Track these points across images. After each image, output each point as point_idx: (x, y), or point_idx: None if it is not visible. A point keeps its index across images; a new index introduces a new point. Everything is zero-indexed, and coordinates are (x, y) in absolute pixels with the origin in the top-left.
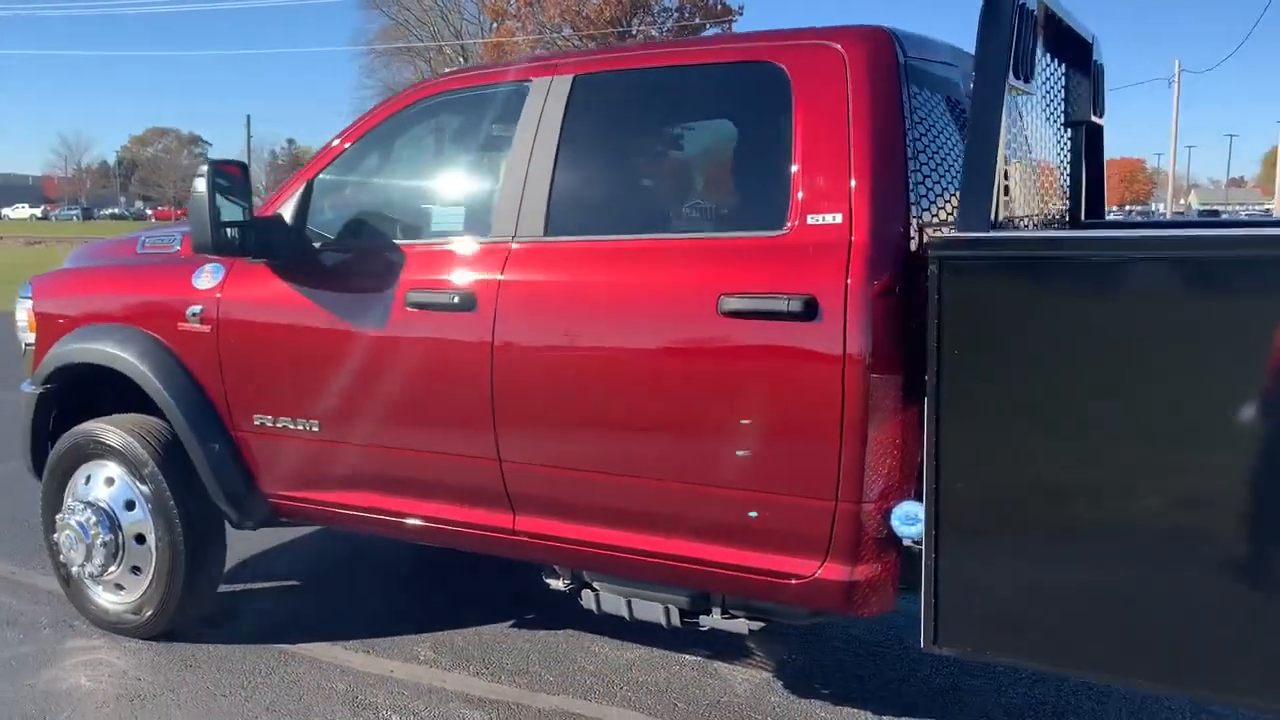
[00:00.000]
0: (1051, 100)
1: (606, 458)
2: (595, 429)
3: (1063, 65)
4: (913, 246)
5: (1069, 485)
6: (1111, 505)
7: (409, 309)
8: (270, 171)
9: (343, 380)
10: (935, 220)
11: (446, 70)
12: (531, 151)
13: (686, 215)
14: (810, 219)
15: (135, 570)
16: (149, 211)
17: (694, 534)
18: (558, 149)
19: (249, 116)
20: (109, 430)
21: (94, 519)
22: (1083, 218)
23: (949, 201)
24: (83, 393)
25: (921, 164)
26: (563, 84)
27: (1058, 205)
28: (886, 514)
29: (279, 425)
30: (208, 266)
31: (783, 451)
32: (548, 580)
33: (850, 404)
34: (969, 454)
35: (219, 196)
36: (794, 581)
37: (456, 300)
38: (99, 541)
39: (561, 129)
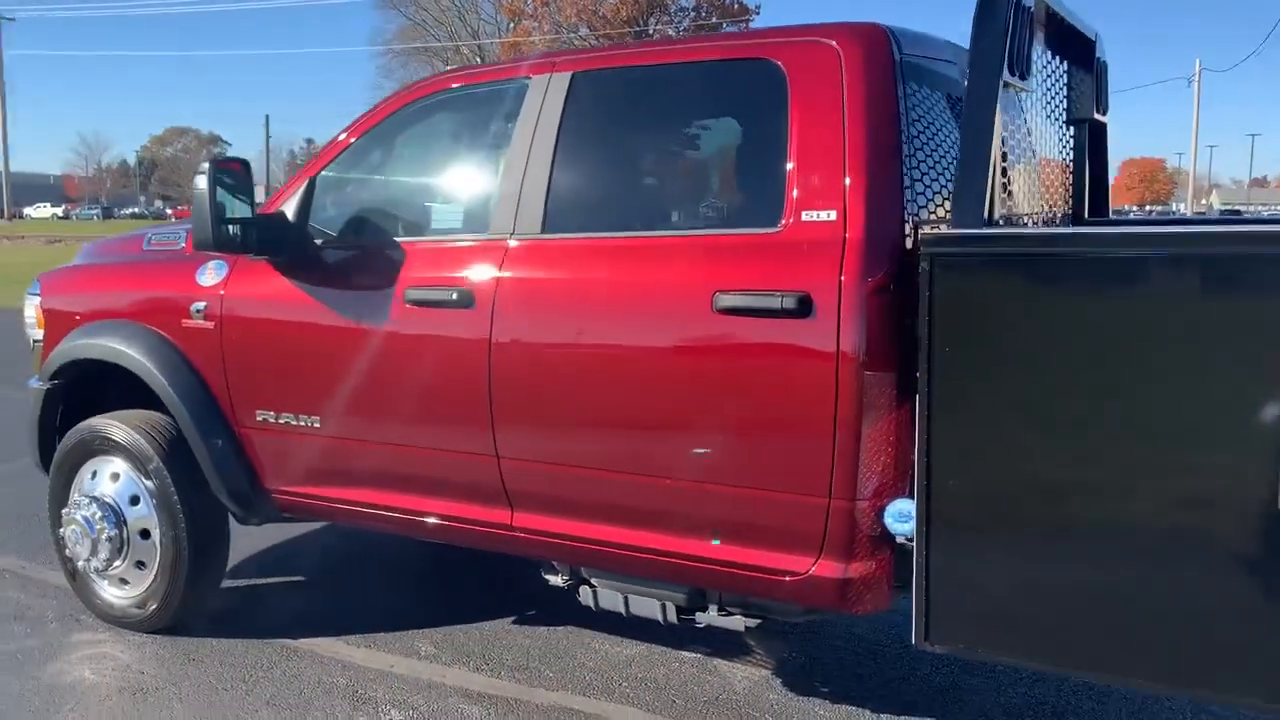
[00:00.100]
0: (1053, 98)
1: (603, 454)
2: (591, 426)
3: (1065, 63)
4: (908, 244)
5: (1060, 483)
6: (1102, 503)
7: (408, 306)
8: (289, 171)
9: (343, 377)
10: (933, 218)
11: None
12: (530, 149)
13: (683, 212)
14: (805, 216)
15: (140, 565)
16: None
17: (689, 530)
18: (556, 146)
19: (267, 116)
20: (115, 426)
21: (99, 514)
22: (1086, 215)
23: (947, 199)
24: (89, 388)
25: (918, 161)
26: (561, 81)
27: (1060, 203)
28: (880, 511)
29: (281, 421)
30: (211, 264)
31: (777, 448)
32: (546, 576)
33: (844, 401)
34: (960, 451)
35: (221, 193)
36: (788, 578)
37: (455, 297)
38: (104, 536)
39: (559, 127)
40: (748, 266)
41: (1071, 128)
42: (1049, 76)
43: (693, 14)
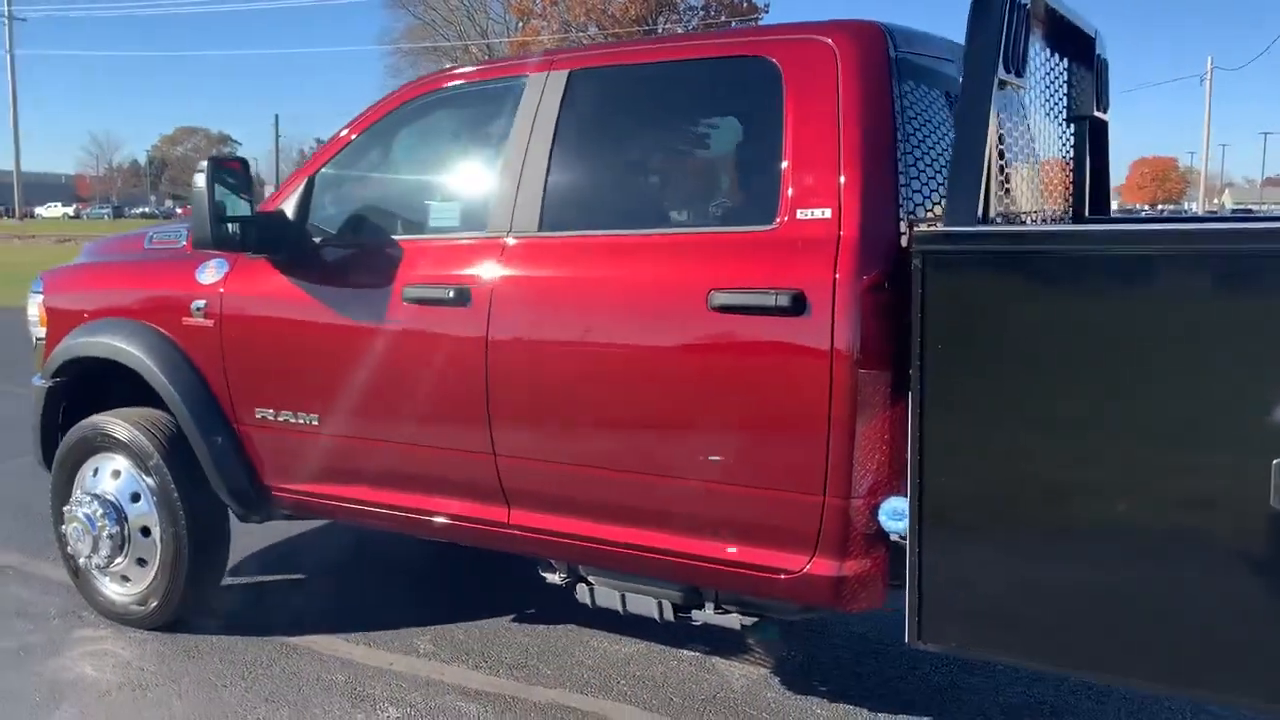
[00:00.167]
0: (1053, 95)
1: (599, 452)
2: (587, 423)
3: (1065, 60)
4: (903, 242)
5: (1052, 481)
6: (1095, 502)
7: (406, 304)
8: None
9: (341, 375)
10: (930, 216)
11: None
12: (527, 147)
13: (679, 210)
14: (800, 214)
15: (141, 562)
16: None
17: (685, 528)
18: (552, 145)
19: (277, 116)
20: (116, 424)
21: (100, 511)
22: (1087, 213)
23: (943, 197)
24: (92, 386)
25: (915, 159)
26: (558, 80)
27: (1061, 201)
28: (875, 509)
29: (280, 419)
30: (212, 262)
31: (771, 446)
32: (544, 574)
33: (838, 399)
34: (952, 449)
35: (221, 192)
36: (783, 576)
37: (452, 295)
38: (105, 533)
39: (556, 125)
40: (743, 264)
41: (1072, 125)
42: (1048, 74)
43: (701, 12)
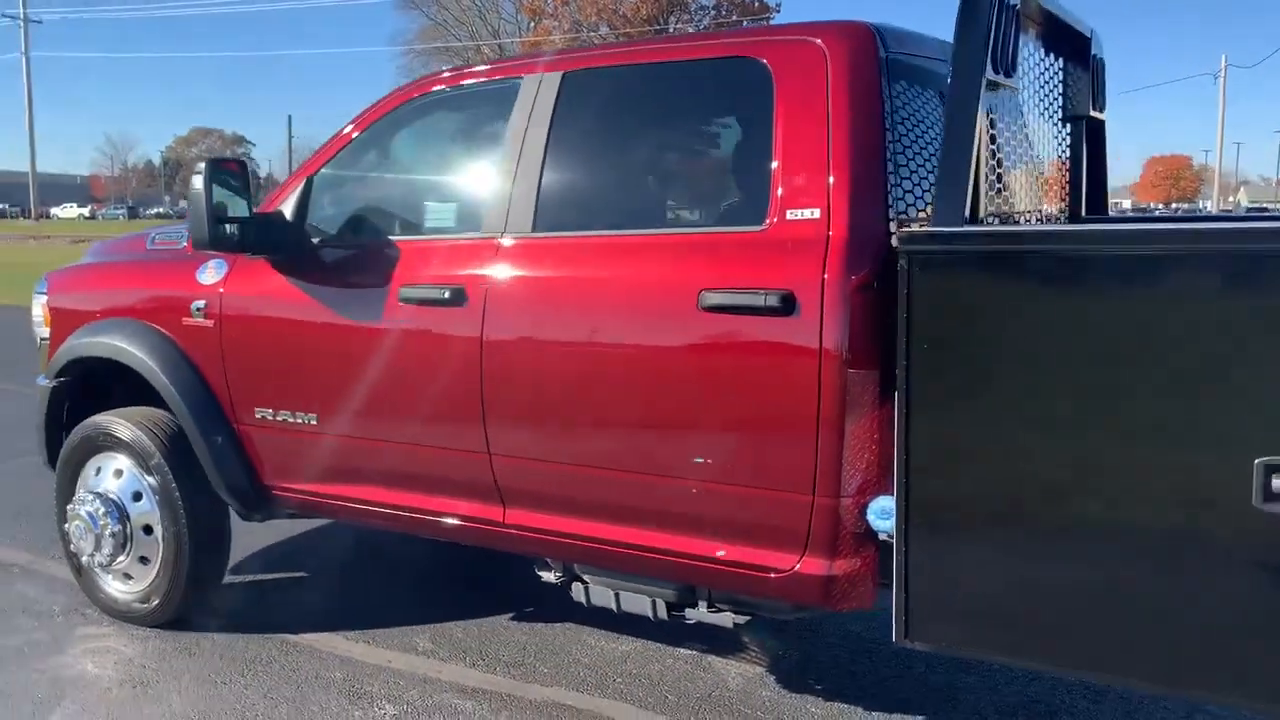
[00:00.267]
0: (1048, 95)
1: (591, 451)
2: (580, 423)
3: (1060, 60)
4: (893, 242)
5: (1036, 480)
6: (1080, 501)
7: (402, 304)
8: None
9: (338, 375)
10: (921, 216)
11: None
12: (521, 148)
13: (671, 211)
14: (789, 214)
15: (143, 560)
16: None
17: (677, 527)
18: (546, 145)
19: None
20: (118, 423)
21: (103, 510)
22: (1084, 213)
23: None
24: (95, 386)
25: (906, 160)
26: (552, 81)
27: (1058, 201)
28: (864, 508)
29: (278, 418)
30: (212, 262)
31: (761, 446)
32: (540, 573)
33: (827, 399)
34: (938, 448)
35: (219, 192)
36: (773, 575)
37: (447, 295)
38: (107, 532)
39: (550, 126)
40: (733, 264)
41: (1068, 125)
42: (1043, 74)
43: (713, 12)
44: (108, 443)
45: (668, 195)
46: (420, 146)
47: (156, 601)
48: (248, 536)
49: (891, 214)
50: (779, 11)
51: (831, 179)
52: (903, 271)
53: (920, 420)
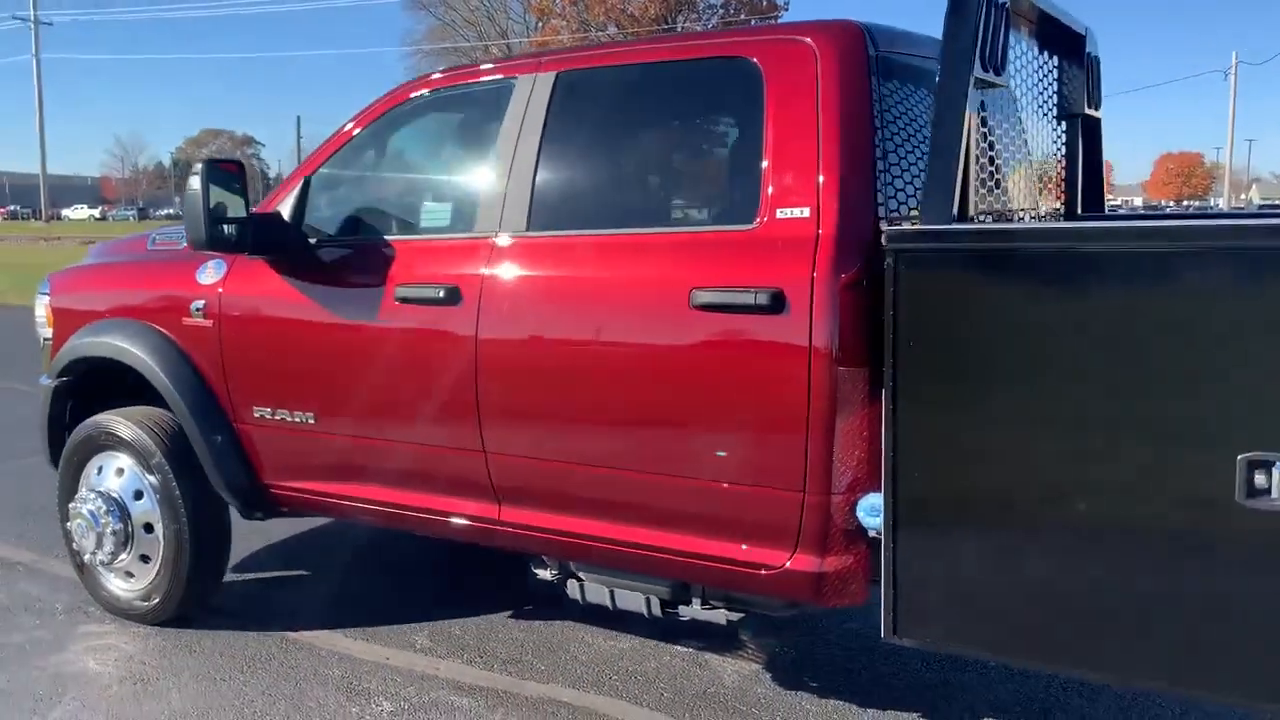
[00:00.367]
0: (1043, 93)
1: (585, 449)
2: (574, 421)
3: (1054, 58)
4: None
5: (1021, 477)
6: (1064, 497)
7: (398, 303)
8: None
9: (335, 374)
10: (911, 214)
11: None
12: (515, 148)
13: (663, 210)
14: (779, 213)
15: (144, 558)
16: None
17: (670, 524)
18: (540, 145)
19: (299, 117)
20: (119, 422)
21: (104, 508)
22: (1080, 210)
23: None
24: (97, 385)
25: (898, 159)
26: (546, 81)
27: (1053, 198)
28: (854, 505)
29: (276, 417)
30: (211, 263)
31: (752, 443)
32: (536, 571)
33: (816, 396)
34: (925, 445)
35: (216, 191)
36: (764, 572)
37: (442, 295)
38: (109, 530)
39: (544, 126)
40: (724, 263)
41: (1064, 123)
42: (1036, 72)
43: (721, 11)
44: (109, 442)
45: (660, 194)
46: (416, 146)
47: (157, 599)
48: (249, 535)
49: (882, 213)
50: (787, 9)
51: (821, 178)
52: (889, 269)
53: (907, 418)
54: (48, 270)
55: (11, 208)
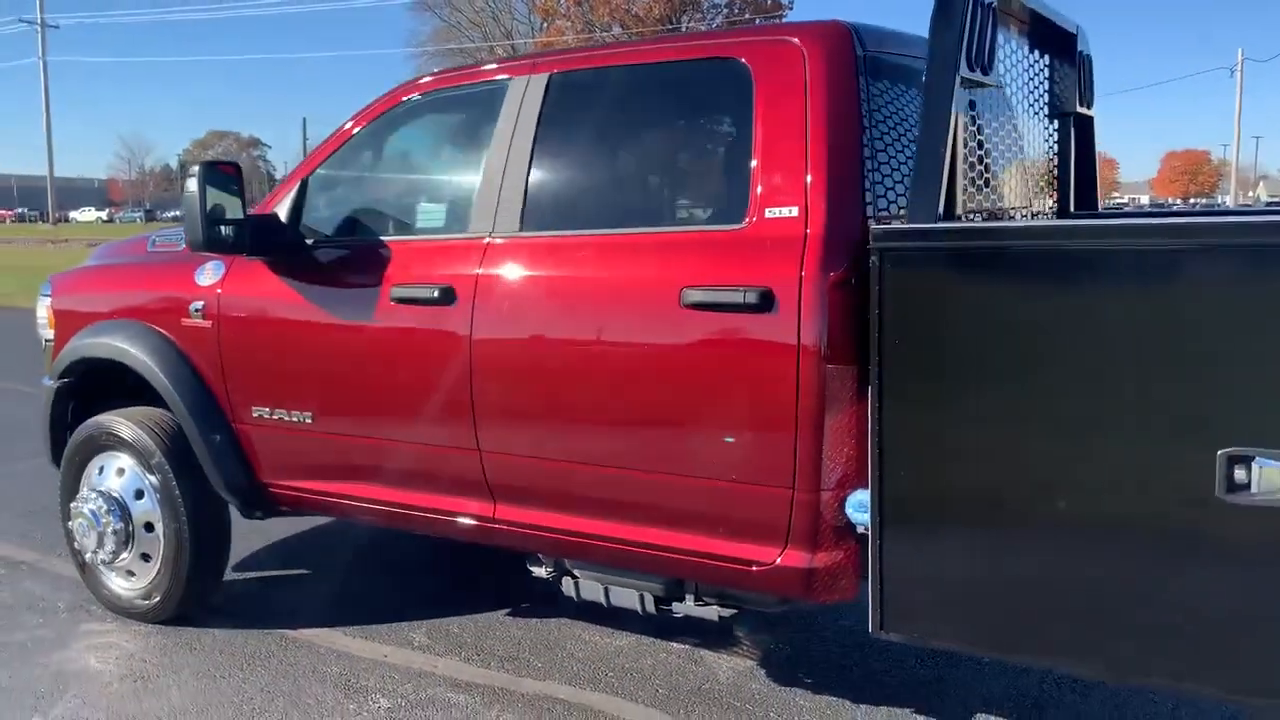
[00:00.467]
0: (1034, 92)
1: (581, 448)
2: (567, 420)
3: (1045, 57)
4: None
5: (1005, 474)
6: (1047, 494)
7: (393, 304)
8: None
9: (331, 373)
10: (903, 213)
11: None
12: (508, 149)
13: (655, 210)
14: (768, 213)
15: (145, 557)
16: None
17: (662, 522)
18: (533, 146)
19: (304, 119)
20: (120, 423)
21: (105, 507)
22: (1072, 209)
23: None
24: (98, 386)
25: (886, 159)
26: (538, 83)
27: (1045, 197)
28: (843, 502)
29: (275, 417)
30: (209, 264)
31: (742, 440)
32: (532, 568)
33: (805, 394)
34: (910, 442)
35: (213, 193)
36: (755, 569)
37: (436, 295)
38: (110, 529)
39: (537, 127)
40: (714, 263)
41: (1056, 121)
42: (1027, 71)
43: (725, 10)
44: (110, 442)
45: (652, 194)
46: (411, 148)
47: (158, 598)
48: (250, 534)
49: (870, 212)
50: (791, 9)
51: (809, 178)
52: (875, 268)
53: (892, 416)
54: (48, 272)
55: (19, 210)
